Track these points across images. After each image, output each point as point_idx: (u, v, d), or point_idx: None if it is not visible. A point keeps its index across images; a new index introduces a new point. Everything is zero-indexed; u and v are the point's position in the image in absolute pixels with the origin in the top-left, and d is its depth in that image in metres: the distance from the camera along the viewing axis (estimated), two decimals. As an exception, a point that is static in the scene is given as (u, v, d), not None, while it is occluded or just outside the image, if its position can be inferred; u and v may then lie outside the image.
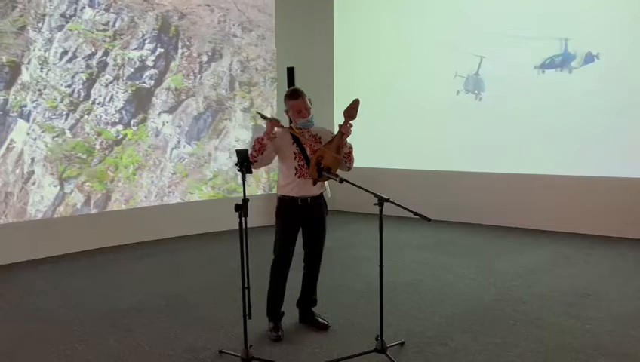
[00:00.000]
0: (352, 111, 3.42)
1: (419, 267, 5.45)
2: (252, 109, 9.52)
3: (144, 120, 8.49)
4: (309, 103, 3.66)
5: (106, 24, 7.93)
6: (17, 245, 6.82)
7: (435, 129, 8.18)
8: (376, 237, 3.27)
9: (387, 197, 3.08)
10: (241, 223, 3.05)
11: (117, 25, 8.02)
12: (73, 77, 7.77)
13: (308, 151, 3.62)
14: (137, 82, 8.38)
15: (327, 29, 9.09)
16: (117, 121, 8.27)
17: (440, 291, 4.73)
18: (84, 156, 8.08)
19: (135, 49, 8.29)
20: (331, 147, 3.43)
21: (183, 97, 8.84)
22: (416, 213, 3.04)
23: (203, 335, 3.82)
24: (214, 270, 5.67)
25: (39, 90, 7.44)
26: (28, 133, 7.41)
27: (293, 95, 3.66)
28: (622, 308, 4.34)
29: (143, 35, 8.33)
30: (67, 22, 7.55)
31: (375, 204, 3.13)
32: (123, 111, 8.30)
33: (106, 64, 8.03)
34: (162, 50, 8.49)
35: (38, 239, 7.13)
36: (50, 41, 7.44)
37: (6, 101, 7.15)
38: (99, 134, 8.14)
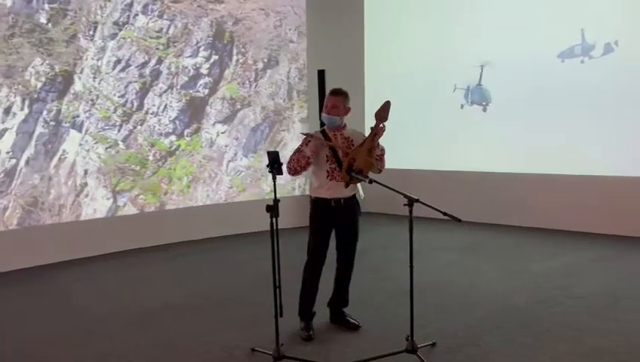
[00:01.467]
0: (383, 113, 3.42)
1: (450, 268, 5.39)
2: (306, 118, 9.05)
3: (198, 130, 8.18)
4: (342, 106, 3.70)
5: (160, 31, 7.70)
6: (54, 246, 6.66)
7: (465, 129, 7.97)
8: (407, 238, 3.23)
9: (417, 198, 3.06)
10: (272, 224, 3.07)
11: (170, 32, 7.79)
12: (126, 86, 7.56)
13: (340, 154, 3.62)
14: (191, 91, 8.09)
15: (357, 31, 8.93)
16: (170, 131, 7.98)
17: (472, 292, 4.65)
18: (138, 168, 7.83)
19: (189, 57, 8.02)
20: (363, 150, 3.44)
21: (239, 107, 8.48)
22: (446, 214, 3.02)
23: (236, 333, 3.85)
24: (247, 269, 5.66)
25: (92, 100, 7.26)
26: (80, 144, 7.22)
27: (332, 91, 3.75)
28: (661, 310, 4.16)
29: (198, 42, 8.06)
30: (120, 30, 7.36)
31: (405, 205, 3.11)
32: (177, 121, 8.02)
33: (159, 73, 7.79)
34: (217, 57, 8.18)
35: (74, 240, 6.86)
36: (102, 49, 7.26)
37: (59, 111, 6.99)
38: (152, 145, 7.88)
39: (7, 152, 6.67)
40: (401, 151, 7.67)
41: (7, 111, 6.61)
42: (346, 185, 3.57)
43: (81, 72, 7.09)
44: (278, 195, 3.24)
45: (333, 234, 3.90)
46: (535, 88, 7.45)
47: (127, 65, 7.52)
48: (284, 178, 4.03)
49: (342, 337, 3.75)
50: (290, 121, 8.98)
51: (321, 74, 7.91)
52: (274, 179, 3.24)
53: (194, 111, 8.12)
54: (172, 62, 7.87)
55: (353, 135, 3.76)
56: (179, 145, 8.04)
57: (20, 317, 4.48)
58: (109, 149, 7.53)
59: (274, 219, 3.11)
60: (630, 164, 6.56)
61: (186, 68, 8.01)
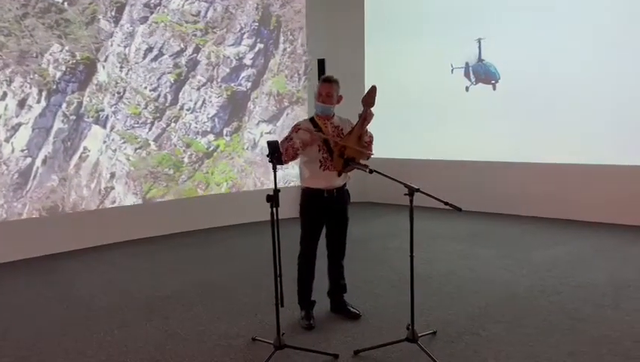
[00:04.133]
0: (369, 99, 3.43)
1: (452, 258, 5.39)
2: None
3: (238, 129, 7.16)
4: (336, 94, 3.65)
5: (197, 15, 6.77)
6: (60, 236, 6.08)
7: (467, 119, 7.64)
8: (408, 227, 3.20)
9: (417, 188, 3.08)
10: (272, 213, 3.11)
11: (209, 16, 6.83)
12: (159, 78, 6.66)
13: (331, 144, 3.58)
14: (233, 84, 7.09)
15: (358, 20, 8.46)
16: (208, 130, 7.00)
17: (473, 282, 4.64)
18: (171, 172, 6.89)
19: (231, 45, 7.04)
20: (353, 137, 3.46)
21: (286, 104, 7.41)
22: (446, 203, 3.02)
23: (237, 322, 3.88)
24: (248, 259, 5.65)
25: (118, 93, 6.39)
26: (104, 142, 6.36)
27: (325, 79, 3.70)
28: (665, 300, 4.11)
29: (241, 29, 7.06)
30: (151, 12, 6.48)
31: (405, 195, 3.11)
32: (216, 119, 7.03)
33: (196, 63, 6.85)
34: (261, 45, 7.15)
35: (80, 230, 6.23)
36: (131, 35, 6.39)
37: (80, 104, 6.15)
38: (188, 146, 6.93)
39: (22, 150, 5.89)
40: (401, 141, 7.81)
41: (22, 103, 5.83)
42: (339, 174, 3.58)
43: (105, 60, 6.24)
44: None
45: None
46: (538, 78, 7.00)
47: (160, 54, 6.62)
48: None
49: (343, 326, 3.75)
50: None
51: (322, 63, 7.16)
52: (274, 168, 3.19)
53: (235, 108, 7.12)
54: (211, 51, 6.91)
55: (342, 123, 3.71)
56: (217, 146, 7.04)
57: (22, 307, 4.45)
58: (138, 150, 6.63)
59: (274, 209, 3.11)
60: (636, 153, 6.38)
61: (228, 58, 7.03)
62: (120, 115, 6.44)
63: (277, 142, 3.32)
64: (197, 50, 6.81)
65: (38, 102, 5.91)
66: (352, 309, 3.93)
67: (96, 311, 4.23)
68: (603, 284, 4.44)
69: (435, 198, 3.05)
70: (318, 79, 3.76)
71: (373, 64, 8.38)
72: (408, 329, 3.22)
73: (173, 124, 6.80)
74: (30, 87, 5.84)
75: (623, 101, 6.43)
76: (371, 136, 3.64)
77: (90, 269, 5.47)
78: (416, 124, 7.97)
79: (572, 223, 6.63)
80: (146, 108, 6.61)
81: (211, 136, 7.01)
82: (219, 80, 7.00)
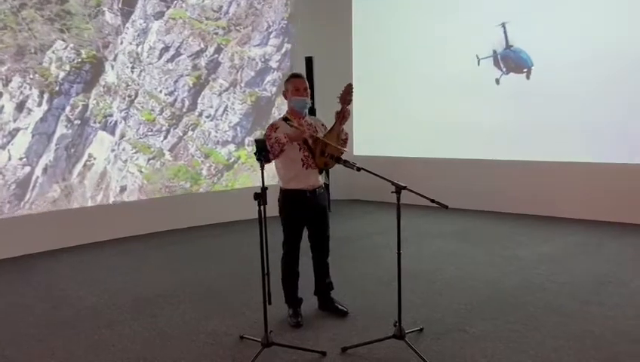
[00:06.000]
0: (346, 97, 3.53)
1: (439, 255, 5.44)
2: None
3: (262, 138, 6.40)
4: (308, 89, 3.72)
5: (219, 10, 6.09)
6: (45, 234, 5.64)
7: (456, 117, 7.42)
8: (395, 225, 3.24)
9: (404, 185, 3.12)
10: (260, 211, 3.12)
11: (232, 11, 6.14)
12: (176, 81, 6.00)
13: (310, 141, 3.65)
14: (257, 89, 6.35)
15: (345, 17, 8.15)
16: (229, 139, 6.28)
17: (460, 279, 4.65)
18: (188, 185, 6.20)
19: (257, 45, 6.31)
20: (333, 136, 3.56)
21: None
22: (433, 200, 3.13)
23: (225, 321, 3.87)
24: (234, 257, 5.56)
25: (130, 97, 5.75)
26: (113, 151, 5.72)
27: (297, 75, 3.74)
28: (645, 295, 4.22)
29: (269, 27, 6.33)
30: (168, 7, 5.83)
31: (392, 192, 3.16)
32: (238, 128, 6.30)
33: (218, 65, 6.15)
34: (289, 46, 6.39)
35: (65, 228, 5.73)
36: (144, 32, 5.76)
37: (85, 107, 5.54)
38: (206, 156, 6.22)
39: (20, 158, 5.32)
40: (389, 139, 7.79)
41: (21, 106, 5.26)
42: (320, 172, 3.68)
43: (114, 60, 5.61)
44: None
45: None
46: (525, 78, 6.75)
47: (177, 54, 5.97)
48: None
49: (330, 323, 3.79)
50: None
51: (309, 61, 6.60)
52: (262, 167, 3.19)
53: (258, 115, 6.39)
54: (235, 52, 6.20)
55: (314, 122, 3.76)
56: (238, 157, 6.30)
57: (7, 307, 4.36)
58: (152, 161, 5.97)
59: (262, 207, 3.10)
60: (621, 151, 6.31)
61: (253, 60, 6.30)
62: (131, 121, 5.80)
63: (264, 140, 3.35)
64: (218, 50, 6.13)
65: (39, 105, 5.34)
66: (339, 306, 3.96)
67: (83, 311, 4.22)
68: (587, 281, 4.53)
69: (422, 196, 3.12)
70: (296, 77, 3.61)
71: (361, 62, 7.99)
72: (395, 326, 3.29)
73: (190, 133, 6.11)
74: (30, 88, 5.26)
75: (618, 100, 6.23)
76: (347, 134, 3.73)
77: (73, 268, 5.30)
78: (403, 121, 7.79)
79: (557, 220, 6.71)
80: (160, 114, 5.96)
81: (232, 146, 6.29)
82: (242, 84, 6.28)
